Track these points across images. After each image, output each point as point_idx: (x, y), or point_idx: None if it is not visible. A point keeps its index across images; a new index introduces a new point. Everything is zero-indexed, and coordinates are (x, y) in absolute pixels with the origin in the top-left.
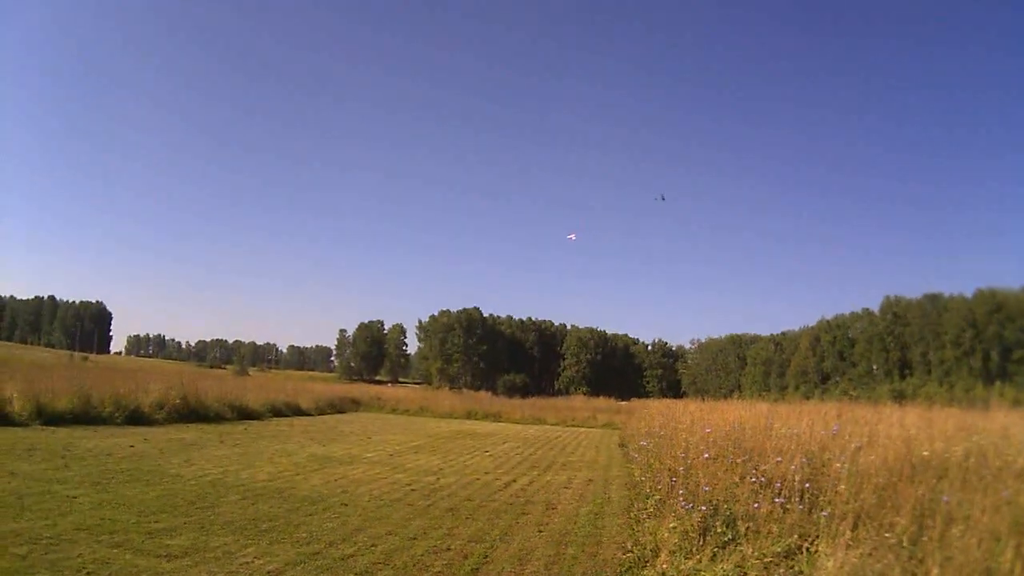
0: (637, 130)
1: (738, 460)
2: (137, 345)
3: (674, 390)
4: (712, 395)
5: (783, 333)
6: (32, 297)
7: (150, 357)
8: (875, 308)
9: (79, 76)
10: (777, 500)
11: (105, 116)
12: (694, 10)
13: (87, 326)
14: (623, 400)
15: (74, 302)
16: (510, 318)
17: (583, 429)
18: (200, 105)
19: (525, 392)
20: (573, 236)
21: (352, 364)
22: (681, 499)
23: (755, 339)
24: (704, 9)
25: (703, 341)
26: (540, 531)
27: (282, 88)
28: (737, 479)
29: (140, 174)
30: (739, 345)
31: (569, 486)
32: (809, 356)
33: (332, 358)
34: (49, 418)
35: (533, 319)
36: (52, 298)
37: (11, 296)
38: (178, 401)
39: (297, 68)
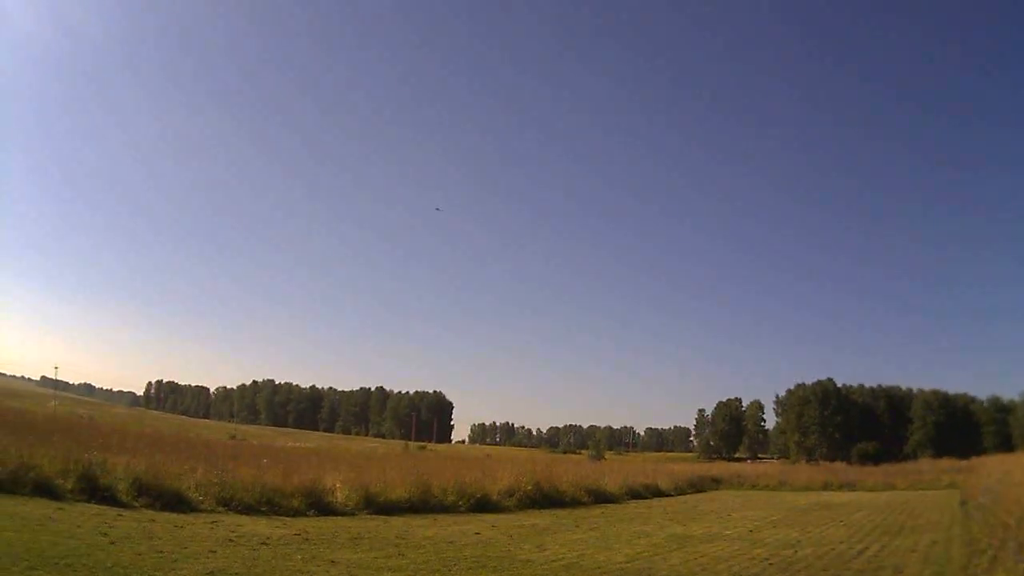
0: None
1: None
2: (482, 433)
3: (1007, 444)
4: None
5: None
6: (357, 388)
7: (497, 445)
8: None
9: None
10: None
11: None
12: None
13: (424, 416)
14: (963, 459)
15: (407, 392)
16: (861, 387)
17: (929, 492)
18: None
19: (877, 459)
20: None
21: (711, 443)
22: (1011, 551)
23: None
24: None
25: None
26: None
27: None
28: None
29: (477, 275)
30: None
31: (915, 549)
32: None
33: (691, 438)
34: (380, 508)
35: (882, 385)
36: (381, 389)
37: (330, 388)
38: (530, 487)
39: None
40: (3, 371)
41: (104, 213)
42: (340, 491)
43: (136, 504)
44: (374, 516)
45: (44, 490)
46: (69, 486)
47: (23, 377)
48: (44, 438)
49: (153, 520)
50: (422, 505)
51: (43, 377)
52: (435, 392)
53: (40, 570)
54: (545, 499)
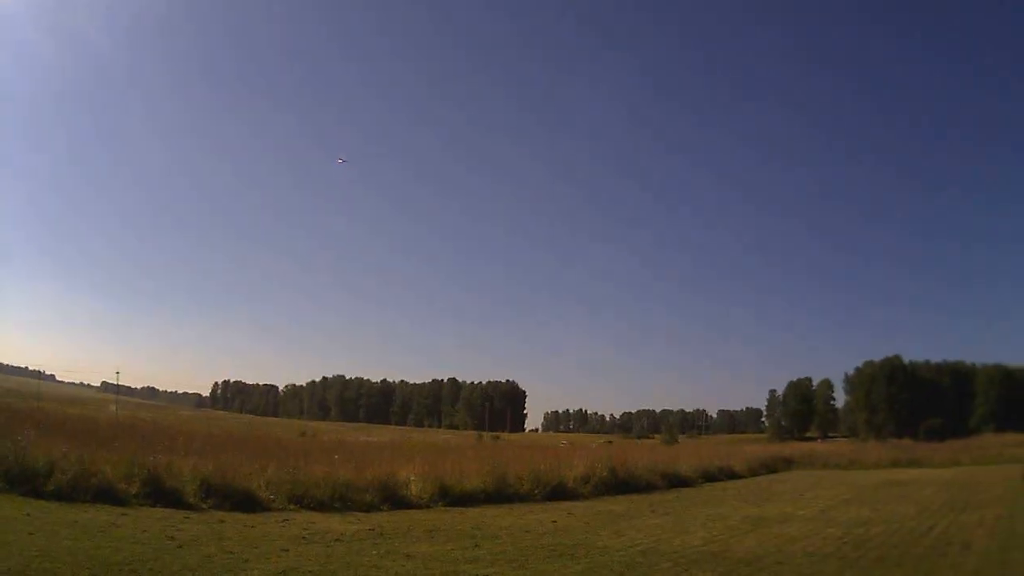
0: None
1: None
2: (555, 421)
3: None
4: None
5: None
6: (429, 380)
7: (571, 432)
8: None
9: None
10: None
11: None
12: None
13: (497, 405)
14: None
15: (480, 383)
16: (927, 362)
17: (994, 466)
18: None
19: (943, 435)
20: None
21: (782, 423)
22: None
23: None
24: None
25: None
26: (956, 572)
27: None
28: None
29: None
30: None
31: (982, 524)
32: None
33: (763, 419)
34: (455, 499)
35: (947, 361)
36: (453, 380)
37: (401, 381)
38: (605, 473)
39: None
40: (62, 378)
41: (157, 216)
42: (414, 484)
43: (204, 506)
44: (449, 508)
45: (107, 496)
46: (133, 491)
47: (82, 383)
48: (105, 443)
49: (222, 521)
50: (497, 495)
51: (103, 383)
52: (508, 381)
53: None
54: (620, 485)
